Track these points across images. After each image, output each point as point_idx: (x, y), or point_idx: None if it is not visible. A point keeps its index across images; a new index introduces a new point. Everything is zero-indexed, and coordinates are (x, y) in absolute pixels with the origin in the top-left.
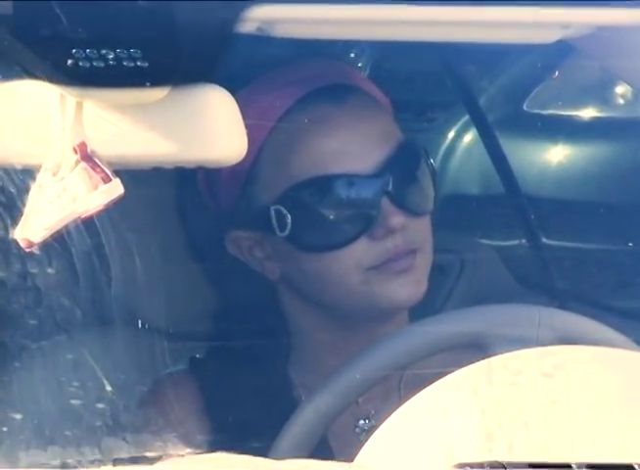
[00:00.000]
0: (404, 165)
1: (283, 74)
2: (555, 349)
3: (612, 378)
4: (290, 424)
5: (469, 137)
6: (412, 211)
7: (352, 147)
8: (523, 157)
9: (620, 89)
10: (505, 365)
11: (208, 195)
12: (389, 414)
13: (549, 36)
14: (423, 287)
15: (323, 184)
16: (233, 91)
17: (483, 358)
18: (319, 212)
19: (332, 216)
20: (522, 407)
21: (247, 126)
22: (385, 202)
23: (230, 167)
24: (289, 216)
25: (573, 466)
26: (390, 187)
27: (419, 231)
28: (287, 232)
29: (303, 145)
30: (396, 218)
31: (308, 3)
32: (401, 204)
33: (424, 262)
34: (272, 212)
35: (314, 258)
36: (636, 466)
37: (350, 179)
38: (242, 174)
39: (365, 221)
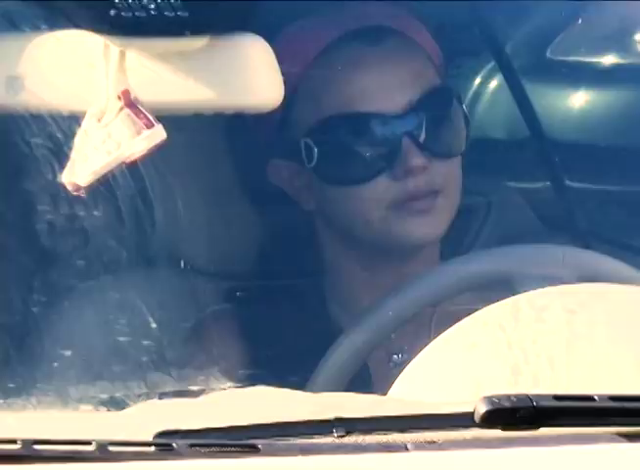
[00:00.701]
0: (435, 109)
1: (324, 16)
2: (578, 286)
3: (632, 314)
4: (326, 359)
5: (495, 83)
6: (437, 154)
7: (381, 87)
8: (546, 102)
9: (636, 32)
10: (531, 302)
11: (252, 124)
12: (421, 349)
13: None
14: (441, 228)
15: (349, 120)
16: (271, 37)
17: (510, 296)
18: (344, 147)
19: (356, 152)
20: (546, 342)
21: (284, 63)
22: (407, 142)
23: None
24: (315, 149)
25: (596, 398)
26: (415, 128)
27: (443, 173)
28: (314, 164)
29: (335, 82)
30: (417, 159)
31: None
32: (425, 146)
33: (447, 204)
34: (302, 145)
35: (338, 191)
36: None
37: (376, 118)
38: (281, 105)
39: (387, 160)
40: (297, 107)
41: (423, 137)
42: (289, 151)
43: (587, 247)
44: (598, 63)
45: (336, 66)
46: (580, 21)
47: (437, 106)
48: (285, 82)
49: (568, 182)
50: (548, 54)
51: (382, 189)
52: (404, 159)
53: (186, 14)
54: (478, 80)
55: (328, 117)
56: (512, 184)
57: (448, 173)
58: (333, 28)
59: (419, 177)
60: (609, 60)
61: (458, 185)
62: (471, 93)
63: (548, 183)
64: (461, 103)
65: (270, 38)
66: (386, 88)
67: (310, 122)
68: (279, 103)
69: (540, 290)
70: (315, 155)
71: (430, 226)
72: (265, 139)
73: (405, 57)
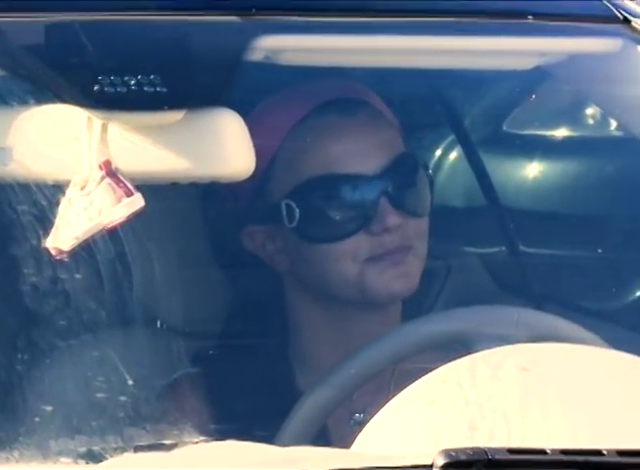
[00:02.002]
0: (404, 172)
1: (299, 89)
2: (531, 345)
3: (582, 372)
4: (293, 414)
5: (454, 154)
6: (408, 212)
7: (356, 152)
8: (502, 172)
9: (590, 110)
10: (486, 360)
11: (228, 193)
12: (383, 406)
13: (527, 63)
14: (414, 281)
15: (328, 182)
16: (244, 111)
17: (467, 354)
18: (324, 207)
19: (335, 211)
20: (501, 399)
21: (262, 134)
22: (383, 201)
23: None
24: (297, 210)
25: (548, 451)
26: (390, 189)
27: (413, 231)
28: (295, 224)
29: (312, 149)
30: (394, 217)
31: (311, 34)
32: (398, 205)
33: (416, 260)
34: (283, 207)
35: (318, 249)
36: (604, 451)
37: (353, 179)
38: (259, 173)
39: (365, 218)
40: (275, 174)
41: (396, 197)
42: (265, 216)
43: (540, 308)
44: (551, 135)
45: (312, 135)
46: (534, 96)
47: (406, 170)
48: (264, 152)
49: (522, 247)
50: (504, 127)
51: (359, 245)
52: (381, 216)
53: (164, 89)
54: (438, 152)
55: (308, 180)
56: (470, 249)
57: (418, 231)
58: (307, 101)
59: (394, 234)
60: (561, 133)
61: (426, 243)
62: (432, 164)
63: (504, 248)
64: (426, 168)
65: (244, 111)
66: (360, 153)
67: (291, 186)
68: (251, 173)
69: (495, 349)
70: (297, 215)
71: (403, 278)
72: (241, 206)
73: (374, 126)
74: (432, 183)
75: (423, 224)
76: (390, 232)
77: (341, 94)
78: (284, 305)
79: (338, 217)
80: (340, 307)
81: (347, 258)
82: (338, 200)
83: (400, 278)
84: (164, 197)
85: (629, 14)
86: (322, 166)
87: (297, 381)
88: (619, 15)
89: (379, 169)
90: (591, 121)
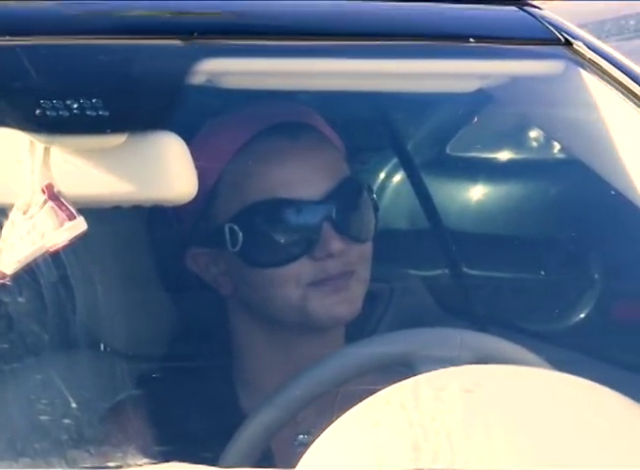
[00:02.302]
0: (348, 197)
1: (244, 112)
2: (474, 367)
3: (526, 394)
4: (237, 436)
5: (398, 177)
6: (352, 238)
7: (300, 176)
8: (446, 195)
9: (533, 133)
10: (430, 382)
11: (173, 216)
12: (326, 427)
13: (469, 86)
14: (356, 306)
15: (272, 206)
16: (187, 135)
17: (411, 376)
18: (267, 232)
19: (278, 236)
20: (445, 420)
21: (207, 157)
22: (326, 226)
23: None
24: (240, 234)
25: None
26: (333, 214)
27: (356, 256)
28: (238, 248)
29: (257, 173)
30: (336, 243)
31: (253, 57)
32: (342, 230)
33: (359, 285)
34: (226, 230)
35: (261, 273)
36: None
37: (297, 204)
38: (203, 196)
39: (308, 243)
40: (219, 197)
41: (340, 222)
42: (209, 239)
43: (483, 330)
44: (494, 158)
45: (256, 159)
46: (477, 119)
47: (351, 195)
48: (208, 175)
49: (465, 269)
50: (447, 150)
51: (302, 270)
52: (324, 242)
53: (106, 113)
54: (382, 175)
55: (252, 204)
56: (413, 271)
57: (361, 256)
58: (252, 124)
59: (337, 259)
60: (504, 155)
61: (369, 268)
62: (376, 187)
63: (447, 271)
64: (371, 193)
65: (187, 134)
66: (304, 178)
67: (235, 210)
68: (193, 196)
69: (439, 371)
70: (240, 239)
71: (346, 303)
72: (186, 228)
73: (319, 150)
74: (376, 208)
75: (366, 249)
76: (334, 257)
77: (286, 118)
78: (228, 328)
79: (281, 242)
80: (283, 331)
81: (290, 283)
82: (281, 224)
83: (343, 303)
84: (107, 220)
85: (571, 36)
86: (266, 191)
87: (240, 403)
88: (561, 37)
89: (323, 194)
90: (534, 144)
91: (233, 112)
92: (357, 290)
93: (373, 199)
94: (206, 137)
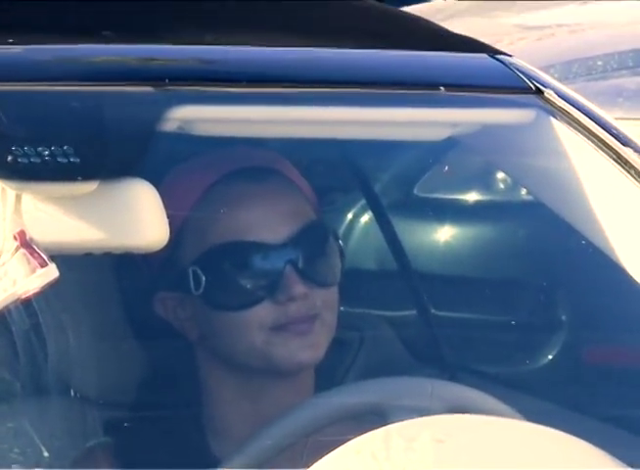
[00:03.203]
0: (312, 241)
1: (209, 157)
2: (446, 417)
3: (497, 444)
4: None
5: (365, 218)
6: (315, 282)
7: (264, 220)
8: (414, 236)
9: (501, 175)
10: (401, 432)
11: (140, 261)
12: None
13: (439, 134)
14: (320, 351)
15: (234, 249)
16: (158, 181)
17: (381, 426)
18: (230, 275)
19: (241, 279)
20: None
21: (171, 202)
22: (289, 270)
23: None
24: (203, 277)
25: None
26: (296, 258)
27: (320, 300)
28: (201, 291)
29: (220, 217)
30: (298, 286)
31: (225, 104)
32: (305, 274)
33: (324, 329)
34: (190, 273)
35: (223, 316)
36: None
37: (259, 247)
38: (170, 239)
39: (270, 286)
40: (184, 241)
41: (303, 266)
42: (175, 282)
43: (453, 378)
44: (462, 200)
45: (221, 203)
46: (447, 167)
47: (315, 239)
48: (172, 219)
49: (434, 311)
50: (415, 191)
51: (265, 314)
52: (286, 285)
53: (77, 160)
54: (349, 216)
55: (215, 247)
56: (381, 314)
57: (326, 301)
58: (216, 169)
59: (299, 303)
60: (472, 197)
61: (335, 313)
62: (343, 228)
63: (415, 313)
64: (337, 238)
65: (158, 181)
66: (268, 222)
67: (198, 253)
68: (165, 243)
69: (410, 421)
70: (203, 282)
71: (309, 348)
72: (152, 273)
73: (284, 194)
74: (342, 253)
75: (331, 294)
76: (296, 301)
77: (251, 162)
78: (197, 375)
79: (243, 285)
80: (250, 377)
81: (253, 327)
82: (243, 268)
83: (306, 348)
84: (78, 267)
85: (541, 84)
86: (229, 234)
87: (210, 451)
88: (532, 85)
89: (286, 238)
90: (501, 186)
91: (200, 156)
92: (322, 335)
93: (339, 244)
94: (172, 181)
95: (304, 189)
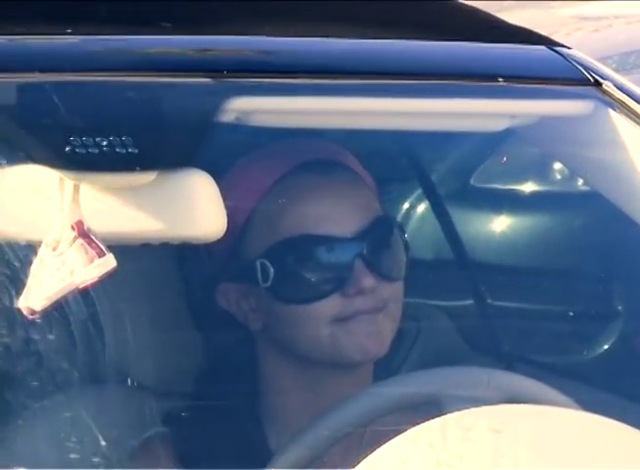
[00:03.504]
0: (380, 234)
1: (277, 149)
2: (502, 407)
3: (554, 434)
4: None
5: (422, 208)
6: (383, 275)
7: (333, 214)
8: (470, 226)
9: (558, 165)
10: (458, 422)
11: (204, 252)
12: (353, 468)
13: (498, 125)
14: (386, 343)
15: (304, 243)
16: (216, 172)
17: (438, 416)
18: (299, 268)
19: (310, 273)
20: (473, 460)
21: (239, 193)
22: (359, 264)
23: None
24: (272, 269)
25: None
26: (365, 252)
27: (387, 293)
28: (269, 284)
29: (289, 210)
30: (368, 280)
31: (282, 95)
32: (373, 267)
33: (389, 322)
34: (258, 265)
35: (291, 309)
36: None
37: (329, 241)
38: (235, 231)
39: (339, 280)
40: (252, 232)
41: (372, 260)
42: (241, 274)
43: (510, 368)
44: (517, 190)
45: (289, 195)
46: (506, 158)
47: (383, 232)
48: (239, 211)
49: (490, 301)
50: (472, 182)
51: (332, 306)
52: (356, 279)
53: (136, 150)
54: (406, 206)
55: (284, 240)
56: (438, 304)
57: (392, 294)
58: (284, 162)
59: (368, 296)
60: (529, 188)
61: (400, 305)
62: (400, 218)
63: (472, 303)
64: (402, 232)
65: (216, 172)
66: (336, 215)
67: (267, 245)
68: (222, 234)
69: (467, 411)
70: (271, 274)
71: (375, 340)
72: (215, 264)
73: (351, 187)
74: (407, 247)
75: (397, 288)
76: (365, 294)
77: (318, 155)
78: (257, 366)
79: (312, 279)
80: (311, 368)
81: (320, 320)
82: (312, 261)
83: (372, 339)
84: (136, 257)
85: (600, 76)
86: (298, 227)
87: (268, 442)
88: (590, 77)
89: (355, 232)
90: (558, 176)
91: (266, 148)
92: (387, 327)
93: (404, 238)
94: (240, 173)
95: (368, 181)
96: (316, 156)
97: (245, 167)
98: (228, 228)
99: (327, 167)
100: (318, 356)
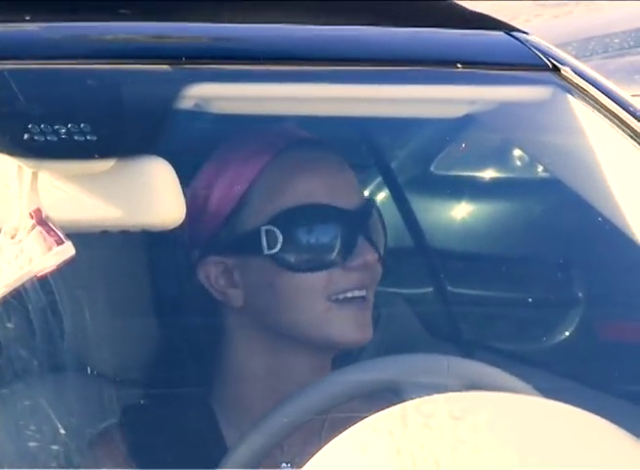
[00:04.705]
0: (375, 214)
1: (269, 129)
2: (463, 394)
3: (514, 421)
4: (222, 463)
5: (382, 196)
6: (378, 254)
7: (338, 185)
8: (430, 213)
9: (517, 152)
10: (418, 409)
11: (188, 226)
12: (313, 455)
13: (457, 111)
14: (370, 331)
15: (310, 211)
16: (175, 159)
17: (398, 403)
18: (303, 236)
19: (314, 241)
20: (433, 447)
21: (240, 161)
22: (361, 238)
23: (220, 197)
24: (280, 236)
25: None
26: (367, 226)
27: (378, 273)
28: (274, 251)
29: (294, 178)
30: (371, 254)
31: (241, 82)
32: (373, 244)
33: (370, 307)
34: (262, 232)
35: (289, 278)
36: None
37: (335, 212)
38: (232, 201)
39: (343, 251)
40: (252, 203)
41: (372, 236)
42: (233, 246)
43: (470, 354)
44: (479, 177)
45: (291, 166)
46: (465, 145)
47: (376, 212)
48: (239, 181)
49: (450, 288)
50: (432, 169)
51: (333, 278)
52: (359, 253)
53: (94, 138)
54: (366, 193)
55: (290, 208)
56: (398, 291)
57: (377, 277)
58: (285, 135)
59: (366, 272)
60: (489, 174)
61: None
62: None
63: (431, 290)
64: (381, 213)
65: (175, 159)
66: (339, 187)
67: (270, 214)
68: (181, 221)
69: (427, 398)
70: (280, 240)
71: (363, 327)
72: (202, 239)
73: (344, 165)
74: (385, 229)
75: (380, 269)
76: (365, 270)
77: (310, 135)
78: (223, 349)
79: (316, 247)
80: (288, 348)
81: (317, 293)
82: (318, 230)
83: (360, 326)
84: (95, 245)
85: (559, 62)
86: (304, 196)
87: (226, 430)
88: (549, 63)
89: (357, 206)
90: (518, 163)
91: (259, 128)
92: (370, 312)
93: (382, 217)
94: (242, 142)
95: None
96: (309, 135)
97: (244, 139)
98: (228, 198)
99: (322, 145)
100: (304, 334)
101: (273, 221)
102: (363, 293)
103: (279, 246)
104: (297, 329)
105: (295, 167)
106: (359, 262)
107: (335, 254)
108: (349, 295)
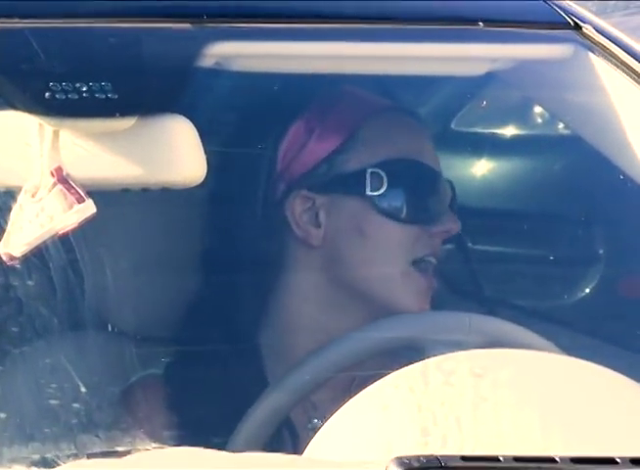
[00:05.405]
0: (454, 185)
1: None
2: (484, 351)
3: (535, 378)
4: (246, 419)
5: None
6: (458, 224)
7: (432, 153)
8: (451, 170)
9: (538, 109)
10: (439, 366)
11: (274, 160)
12: (336, 411)
13: (478, 69)
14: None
15: (415, 166)
16: (196, 117)
17: (420, 360)
18: (406, 187)
19: (415, 195)
20: (454, 404)
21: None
22: (450, 206)
23: (319, 138)
24: (385, 179)
25: (501, 458)
26: (454, 196)
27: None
28: (382, 191)
29: (394, 136)
30: (455, 224)
31: (262, 40)
32: (455, 213)
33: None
34: (367, 173)
35: (381, 223)
36: (557, 458)
37: (435, 175)
38: (333, 144)
39: (435, 215)
40: (357, 146)
41: (454, 205)
42: (325, 185)
43: (492, 312)
44: (500, 134)
45: (390, 124)
46: (485, 102)
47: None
48: (340, 128)
49: (470, 245)
50: (453, 126)
51: (418, 238)
52: (448, 219)
53: (116, 96)
54: None
55: (397, 159)
56: None
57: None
58: (375, 102)
59: (439, 243)
60: (510, 131)
61: None
62: None
63: (453, 247)
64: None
65: (196, 117)
66: (433, 155)
67: (378, 158)
68: (202, 179)
69: (448, 355)
70: (385, 184)
71: (426, 299)
72: (293, 173)
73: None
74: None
75: None
76: (444, 238)
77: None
78: (251, 307)
79: (413, 202)
80: (343, 300)
81: (403, 250)
82: (418, 186)
83: (425, 298)
84: (116, 203)
85: (580, 20)
86: (405, 151)
87: (250, 388)
88: (570, 21)
89: (443, 175)
90: (539, 120)
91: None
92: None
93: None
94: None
95: None
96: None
97: (346, 94)
98: (320, 143)
99: (413, 113)
100: (372, 289)
101: (379, 165)
102: (434, 261)
103: (383, 189)
104: (367, 283)
105: (396, 127)
106: (443, 229)
107: (428, 214)
108: (427, 259)
